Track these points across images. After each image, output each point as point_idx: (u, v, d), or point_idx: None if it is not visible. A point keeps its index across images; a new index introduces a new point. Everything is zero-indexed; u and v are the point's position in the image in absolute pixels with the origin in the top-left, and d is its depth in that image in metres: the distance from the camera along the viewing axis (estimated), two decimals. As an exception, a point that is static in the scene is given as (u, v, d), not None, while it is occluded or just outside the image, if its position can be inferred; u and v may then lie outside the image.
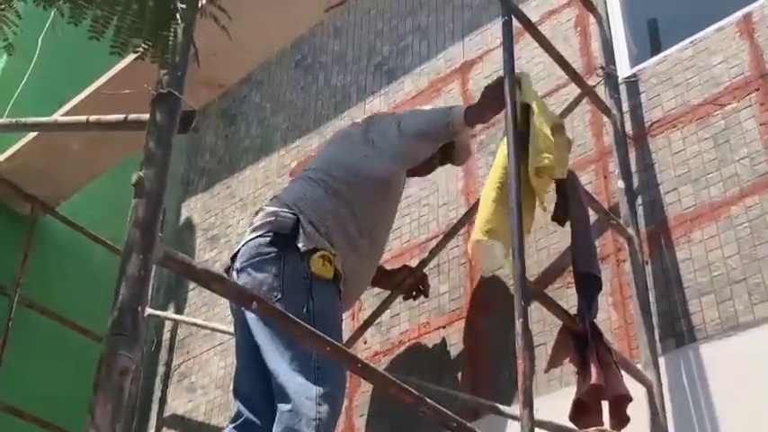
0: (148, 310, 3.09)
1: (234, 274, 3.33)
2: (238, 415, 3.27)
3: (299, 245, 3.27)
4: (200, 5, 2.13)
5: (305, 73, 5.55)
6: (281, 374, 3.07)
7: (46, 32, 4.89)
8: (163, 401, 4.98)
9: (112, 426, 1.58)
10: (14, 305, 5.13)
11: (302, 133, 5.19)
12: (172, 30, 2.04)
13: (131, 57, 4.64)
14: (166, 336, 5.24)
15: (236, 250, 3.43)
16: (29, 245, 5.40)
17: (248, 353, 3.27)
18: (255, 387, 3.26)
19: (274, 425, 3.02)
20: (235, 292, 2.25)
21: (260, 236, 3.34)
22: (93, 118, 2.48)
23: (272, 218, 3.37)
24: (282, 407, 3.02)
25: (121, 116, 2.26)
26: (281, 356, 3.08)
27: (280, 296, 3.17)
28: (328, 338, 2.25)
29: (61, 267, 5.86)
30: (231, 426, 3.26)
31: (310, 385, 3.03)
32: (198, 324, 4.89)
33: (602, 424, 2.92)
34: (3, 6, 2.57)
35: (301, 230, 3.31)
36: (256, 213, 3.53)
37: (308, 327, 2.23)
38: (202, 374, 4.84)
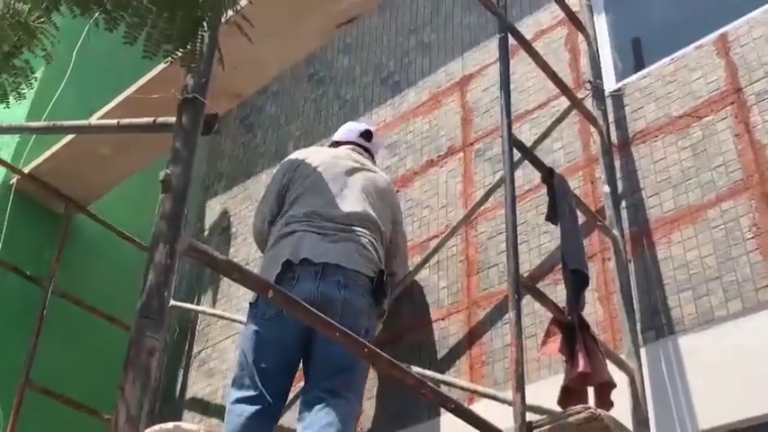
0: (172, 302, 3.09)
1: (332, 279, 3.40)
2: (262, 400, 3.30)
3: (384, 306, 3.61)
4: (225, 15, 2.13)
5: (316, 85, 5.54)
6: (353, 370, 3.31)
7: (80, 45, 4.88)
8: (184, 385, 4.97)
9: (140, 400, 1.58)
10: (49, 295, 5.13)
11: (313, 141, 5.18)
12: (199, 36, 2.04)
13: (157, 69, 4.66)
14: (188, 326, 5.24)
15: (330, 260, 3.43)
16: (63, 241, 5.40)
17: (285, 351, 3.36)
18: (284, 380, 3.40)
19: (325, 410, 3.16)
20: (252, 282, 2.25)
21: (363, 274, 3.48)
22: (124, 121, 2.48)
23: (369, 264, 3.53)
24: (342, 399, 3.23)
25: (150, 119, 2.26)
26: (354, 358, 3.18)
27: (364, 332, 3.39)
28: (338, 325, 2.25)
29: (92, 261, 5.85)
30: (255, 409, 3.28)
31: (362, 384, 3.42)
32: (216, 314, 4.88)
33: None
34: (42, 19, 2.57)
35: (388, 293, 3.62)
36: (345, 229, 3.57)
37: (320, 315, 2.23)
38: (220, 361, 4.83)
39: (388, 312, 3.72)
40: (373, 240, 3.63)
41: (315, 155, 3.92)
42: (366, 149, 4.07)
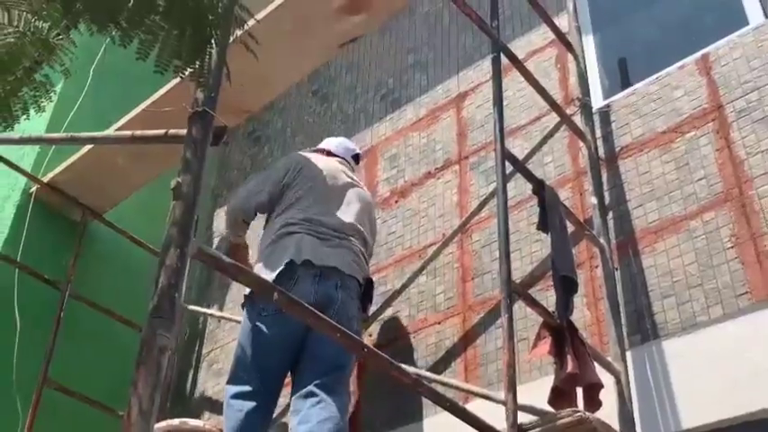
0: (182, 305, 3.07)
1: (331, 282, 3.41)
2: (260, 395, 3.29)
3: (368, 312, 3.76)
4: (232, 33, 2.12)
5: (320, 101, 5.54)
6: (346, 367, 3.36)
7: (97, 61, 4.88)
8: (194, 384, 4.95)
9: (152, 396, 1.57)
10: (66, 298, 5.11)
11: (317, 153, 5.17)
12: (208, 52, 2.03)
13: (170, 84, 4.66)
14: (198, 328, 5.22)
15: (329, 263, 3.44)
16: (79, 246, 5.39)
17: (284, 348, 3.34)
18: (280, 375, 3.39)
19: (321, 404, 3.16)
20: (257, 284, 2.24)
21: (356, 280, 3.53)
22: (138, 133, 2.47)
23: (361, 271, 3.57)
24: (336, 395, 3.23)
25: (162, 131, 2.25)
26: (347, 356, 3.25)
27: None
28: (342, 328, 2.24)
29: (107, 266, 5.85)
30: (254, 405, 3.25)
31: (349, 379, 3.46)
32: (225, 317, 4.86)
33: (576, 407, 2.89)
34: (61, 37, 2.57)
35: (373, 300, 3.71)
36: (341, 236, 3.58)
37: (322, 316, 2.21)
38: (228, 361, 4.78)
39: (375, 319, 3.75)
40: (362, 250, 3.66)
41: (317, 161, 3.89)
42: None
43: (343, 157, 4.06)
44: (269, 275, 3.35)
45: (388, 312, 4.08)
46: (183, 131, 2.10)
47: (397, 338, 4.00)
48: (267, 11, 3.85)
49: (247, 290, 3.48)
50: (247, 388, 3.30)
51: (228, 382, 3.39)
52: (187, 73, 2.06)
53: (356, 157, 4.19)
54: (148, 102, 4.33)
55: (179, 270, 1.75)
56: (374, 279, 3.79)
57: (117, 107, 5.52)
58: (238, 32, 2.18)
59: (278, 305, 2.05)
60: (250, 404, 3.25)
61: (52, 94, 2.72)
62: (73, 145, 5.13)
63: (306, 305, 2.20)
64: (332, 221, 3.61)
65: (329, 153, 4.07)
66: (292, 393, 3.33)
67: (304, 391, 3.24)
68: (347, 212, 3.71)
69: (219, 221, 5.65)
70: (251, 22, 2.21)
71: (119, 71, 5.37)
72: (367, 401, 3.87)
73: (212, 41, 2.02)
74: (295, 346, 3.34)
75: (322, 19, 3.86)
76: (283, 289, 3.18)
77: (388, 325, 4.09)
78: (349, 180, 3.89)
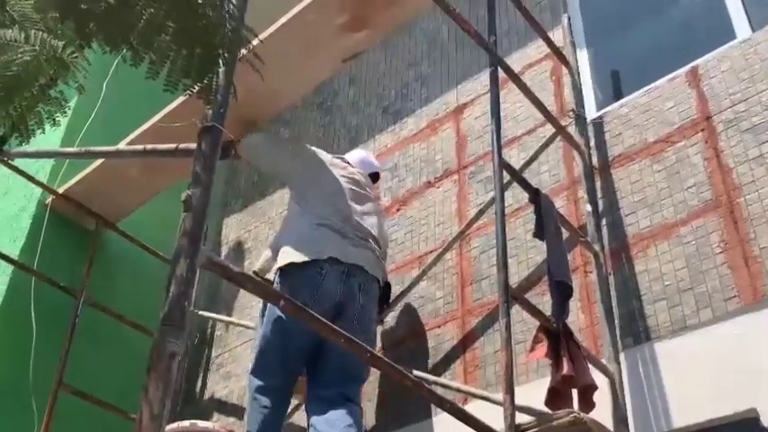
0: (192, 310, 3.08)
1: (355, 281, 3.43)
2: (284, 389, 3.35)
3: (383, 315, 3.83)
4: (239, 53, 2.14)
5: (325, 114, 5.56)
6: (362, 380, 3.39)
7: (110, 77, 4.90)
8: (204, 387, 4.97)
9: (162, 400, 1.58)
10: (81, 305, 5.12)
11: (322, 164, 5.19)
12: (216, 72, 2.05)
13: (180, 99, 4.68)
14: (207, 332, 5.23)
15: (356, 262, 3.46)
16: (93, 255, 5.40)
17: (310, 351, 3.33)
18: (300, 369, 3.40)
19: (346, 411, 3.19)
20: (264, 291, 2.25)
21: (377, 281, 3.56)
22: (149, 147, 2.50)
23: (382, 273, 3.62)
24: (357, 406, 3.28)
25: (173, 145, 2.27)
26: (364, 369, 3.28)
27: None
28: (344, 333, 2.26)
29: (120, 273, 5.85)
30: (277, 403, 3.30)
31: None
32: (233, 322, 4.88)
33: (572, 408, 2.91)
34: (75, 54, 2.59)
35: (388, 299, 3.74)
36: (363, 238, 3.60)
37: (329, 324, 2.23)
38: (236, 365, 4.83)
39: (385, 322, 3.75)
40: (381, 255, 3.68)
41: (341, 164, 3.90)
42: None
43: (361, 172, 4.03)
44: (298, 258, 3.36)
45: (391, 317, 4.10)
46: (193, 146, 2.12)
47: (399, 341, 4.01)
48: (273, 28, 3.87)
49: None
50: (273, 382, 3.31)
51: (253, 373, 3.37)
52: (195, 91, 2.08)
53: (374, 176, 4.14)
54: (160, 115, 4.34)
55: (189, 280, 1.77)
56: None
57: (130, 119, 5.52)
58: (244, 52, 2.19)
59: (300, 297, 2.04)
60: (275, 401, 3.26)
61: (67, 109, 2.74)
62: (87, 159, 5.15)
63: (315, 314, 2.20)
64: (355, 222, 3.62)
65: (349, 164, 4.06)
66: (311, 402, 3.31)
67: (329, 393, 3.24)
68: (368, 218, 3.71)
69: (229, 230, 5.68)
70: (255, 42, 2.23)
71: (131, 84, 5.39)
72: (377, 400, 3.89)
73: (219, 61, 2.04)
74: (316, 342, 3.31)
75: (326, 36, 3.87)
76: (314, 282, 3.23)
77: (390, 330, 4.10)
78: (371, 192, 3.93)
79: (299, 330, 3.26)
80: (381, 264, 3.62)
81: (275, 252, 3.60)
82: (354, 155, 4.18)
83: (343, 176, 3.79)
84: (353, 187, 3.79)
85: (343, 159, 4.05)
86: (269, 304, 3.42)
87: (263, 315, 3.47)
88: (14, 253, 5.33)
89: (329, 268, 3.36)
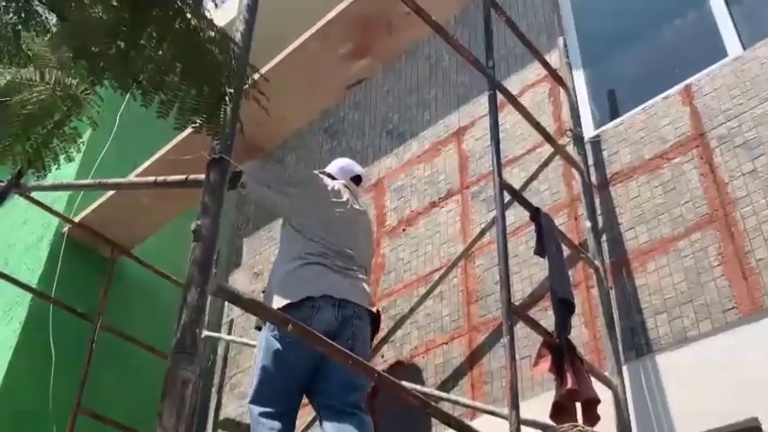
0: (206, 333, 3.11)
1: (349, 312, 3.42)
2: (288, 415, 3.34)
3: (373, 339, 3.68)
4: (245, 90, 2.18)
5: (330, 138, 5.60)
6: (365, 388, 3.34)
7: (122, 111, 4.96)
8: (218, 407, 4.97)
9: (176, 427, 1.60)
10: (97, 330, 5.16)
11: (329, 187, 5.21)
12: (223, 109, 2.08)
13: (189, 131, 4.73)
14: (221, 353, 5.25)
15: (346, 297, 3.44)
16: (109, 280, 5.44)
17: (304, 371, 3.35)
18: (300, 396, 3.42)
19: (356, 420, 3.21)
20: (273, 317, 2.28)
21: (368, 311, 3.51)
22: (160, 178, 2.53)
23: (370, 303, 3.57)
24: (364, 413, 3.28)
25: (183, 176, 2.31)
26: (365, 377, 3.21)
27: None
28: (353, 355, 2.28)
29: (135, 298, 5.89)
30: (283, 424, 3.29)
31: None
32: (246, 343, 4.89)
33: (576, 422, 2.91)
34: (88, 92, 2.64)
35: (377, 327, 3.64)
36: (352, 268, 3.57)
37: (336, 345, 2.25)
38: (250, 385, 4.83)
39: (387, 341, 3.76)
40: (368, 283, 3.68)
41: (328, 183, 3.81)
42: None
43: (343, 180, 3.95)
44: (293, 299, 3.36)
45: (399, 334, 4.11)
46: (202, 177, 2.16)
47: (407, 359, 4.03)
48: (280, 57, 3.94)
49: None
50: (275, 408, 3.32)
51: (253, 403, 3.37)
52: (204, 127, 2.11)
53: (356, 179, 4.04)
54: (169, 146, 4.40)
55: (200, 307, 1.80)
56: (384, 303, 3.82)
57: (141, 150, 5.59)
58: (248, 87, 2.23)
59: (291, 335, 2.07)
60: (279, 424, 3.27)
61: (81, 144, 2.79)
62: (101, 191, 5.21)
63: (321, 336, 2.23)
64: (346, 252, 3.59)
65: (331, 176, 3.95)
66: (320, 409, 3.33)
67: (337, 404, 3.26)
68: (358, 245, 3.69)
69: (239, 252, 5.70)
70: (256, 77, 2.27)
71: (142, 117, 5.45)
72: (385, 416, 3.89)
73: (226, 99, 2.07)
74: (314, 367, 3.34)
75: (330, 64, 3.94)
76: (306, 316, 3.26)
77: (398, 347, 4.11)
78: (358, 208, 3.85)
79: (297, 357, 3.30)
80: (368, 293, 3.59)
81: (269, 295, 3.53)
82: (334, 165, 4.08)
83: (334, 202, 3.72)
84: (340, 209, 3.71)
85: (329, 175, 3.94)
86: (265, 335, 3.45)
87: (260, 347, 3.50)
88: (33, 281, 5.38)
89: (322, 302, 3.38)
